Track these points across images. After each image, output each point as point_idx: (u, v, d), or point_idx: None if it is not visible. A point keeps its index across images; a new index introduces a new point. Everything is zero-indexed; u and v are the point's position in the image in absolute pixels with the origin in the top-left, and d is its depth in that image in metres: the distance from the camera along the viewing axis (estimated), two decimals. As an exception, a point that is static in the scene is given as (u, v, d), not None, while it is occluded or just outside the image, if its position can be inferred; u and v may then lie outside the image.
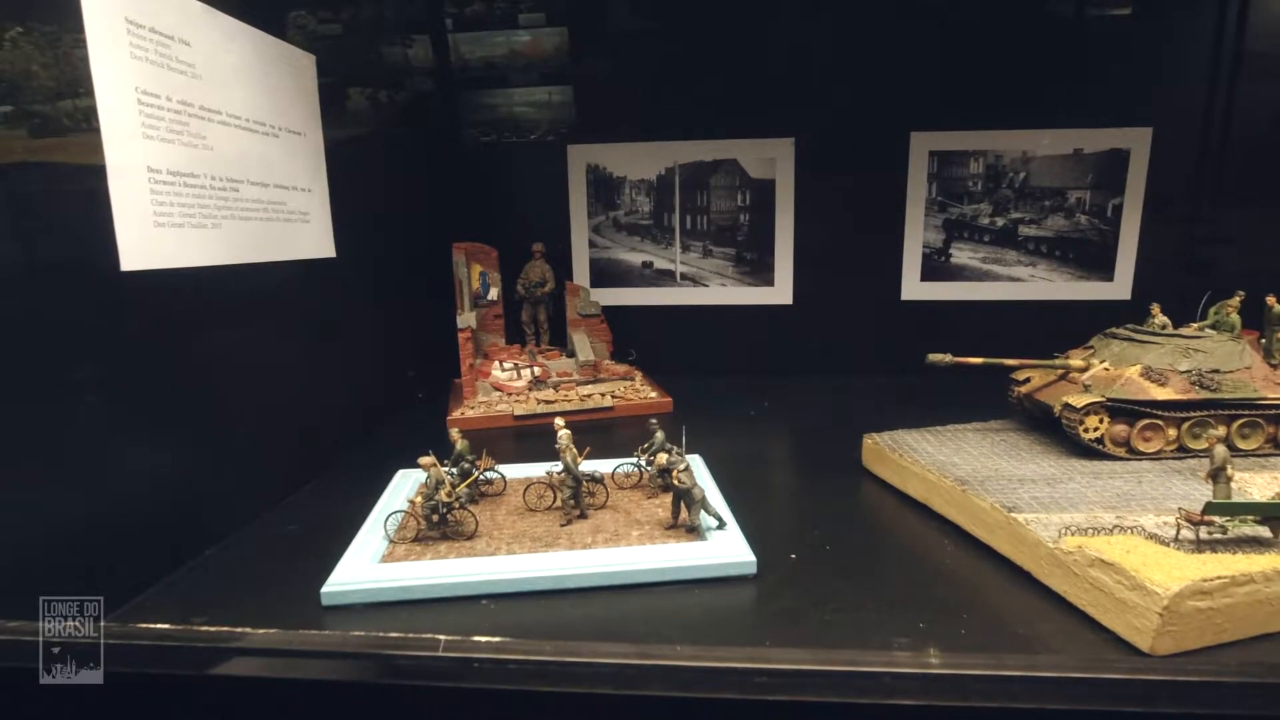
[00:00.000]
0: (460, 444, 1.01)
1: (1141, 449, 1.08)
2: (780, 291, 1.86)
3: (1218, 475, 0.85)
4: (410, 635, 0.71)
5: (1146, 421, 1.07)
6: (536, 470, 1.11)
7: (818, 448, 1.35)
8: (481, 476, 1.03)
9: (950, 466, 1.06)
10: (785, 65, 1.74)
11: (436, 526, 0.90)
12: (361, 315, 1.42)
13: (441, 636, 0.70)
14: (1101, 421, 1.08)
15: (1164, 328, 1.17)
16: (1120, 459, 1.08)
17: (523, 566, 0.85)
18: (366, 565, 0.85)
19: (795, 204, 1.81)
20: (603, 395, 1.56)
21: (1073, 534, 0.83)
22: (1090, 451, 1.09)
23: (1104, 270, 1.81)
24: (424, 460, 0.90)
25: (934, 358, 1.13)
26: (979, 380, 1.29)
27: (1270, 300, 1.12)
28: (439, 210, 1.77)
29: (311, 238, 1.22)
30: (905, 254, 1.83)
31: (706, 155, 1.80)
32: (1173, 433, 1.08)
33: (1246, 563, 0.76)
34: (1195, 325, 1.18)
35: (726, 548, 0.89)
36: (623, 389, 1.60)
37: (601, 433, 1.44)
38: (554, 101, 1.81)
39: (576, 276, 1.86)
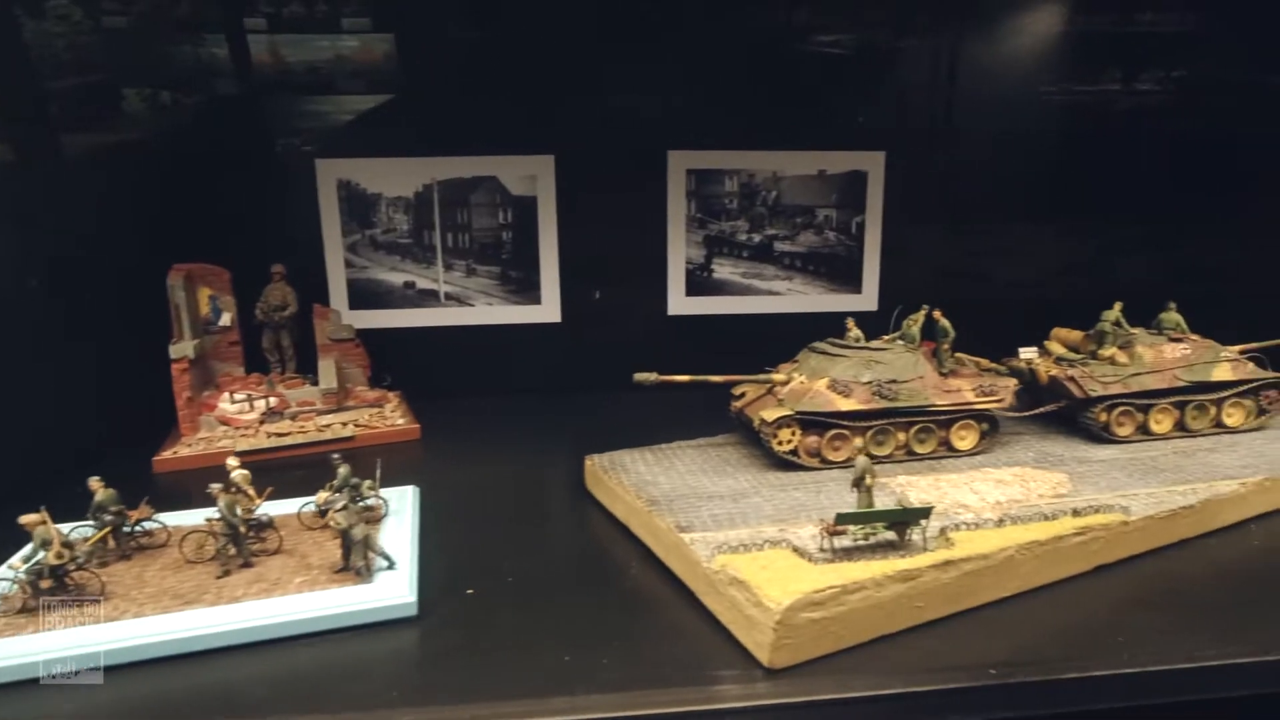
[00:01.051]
0: (101, 493, 0.90)
1: (832, 459, 1.14)
2: (548, 309, 1.84)
3: (859, 484, 0.90)
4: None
5: (834, 432, 1.13)
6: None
7: (553, 471, 1.34)
8: (136, 528, 0.93)
9: (647, 486, 1.07)
10: (546, 82, 1.73)
11: (51, 593, 0.80)
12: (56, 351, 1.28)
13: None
14: (794, 434, 1.13)
15: (857, 341, 1.24)
16: (814, 469, 1.13)
17: (146, 630, 0.77)
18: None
19: (559, 221, 1.80)
20: (344, 425, 1.48)
21: (725, 552, 0.85)
22: (788, 464, 1.13)
23: (853, 283, 1.92)
24: (27, 519, 0.80)
25: (640, 377, 1.14)
26: (726, 395, 1.30)
27: (936, 314, 1.21)
28: (169, 228, 1.62)
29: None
30: (670, 270, 1.87)
31: (466, 172, 1.76)
32: (859, 441, 1.14)
33: (861, 570, 0.80)
34: (887, 338, 1.26)
35: (385, 590, 0.85)
36: (368, 417, 1.53)
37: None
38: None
39: (333, 298, 1.76)
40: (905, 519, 0.85)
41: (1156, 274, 1.83)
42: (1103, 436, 1.21)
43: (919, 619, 0.82)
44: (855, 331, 1.26)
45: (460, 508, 1.15)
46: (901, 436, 1.15)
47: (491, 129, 1.75)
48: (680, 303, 1.89)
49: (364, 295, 1.77)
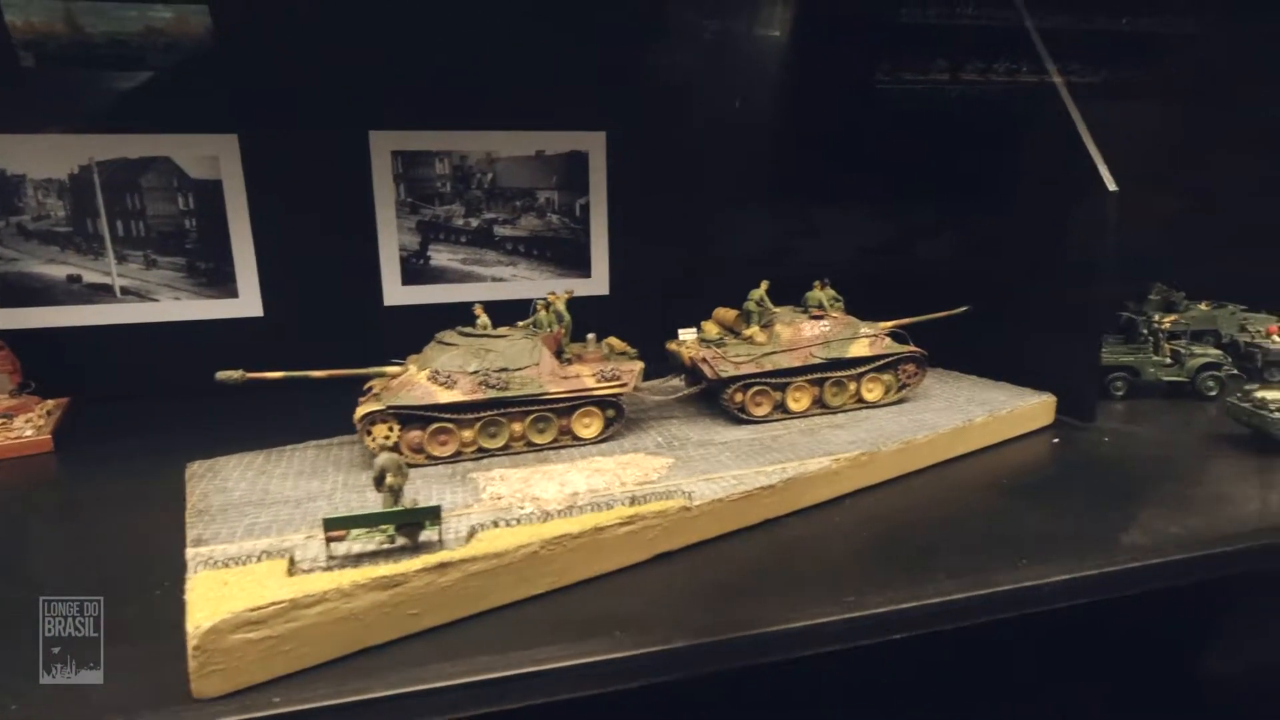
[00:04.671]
0: None
1: (438, 454, 1.07)
2: (247, 303, 1.70)
3: (379, 483, 0.83)
4: None
5: (437, 425, 1.06)
6: None
7: (173, 478, 1.21)
8: None
9: (216, 493, 0.98)
10: (229, 55, 1.59)
11: None
12: None
13: None
14: (392, 429, 1.05)
15: (484, 329, 1.18)
16: (419, 466, 1.06)
17: None
18: None
19: (253, 207, 1.67)
20: (-49, 438, 1.31)
21: (210, 567, 0.77)
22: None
23: (581, 267, 1.88)
24: None
25: (222, 375, 1.04)
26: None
27: (552, 297, 1.17)
28: None
29: None
30: (382, 258, 1.77)
31: (131, 152, 1.59)
32: (468, 434, 1.08)
33: (329, 580, 0.73)
34: (523, 324, 1.21)
35: None
36: (-10, 428, 1.36)
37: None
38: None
39: (-22, 294, 1.57)
40: (406, 520, 0.78)
41: (860, 254, 1.86)
42: (739, 417, 1.20)
43: (416, 627, 0.76)
44: (483, 319, 1.20)
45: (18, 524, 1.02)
46: (517, 427, 1.10)
47: (161, 105, 1.59)
48: (397, 292, 1.79)
49: (16, 291, 1.58)
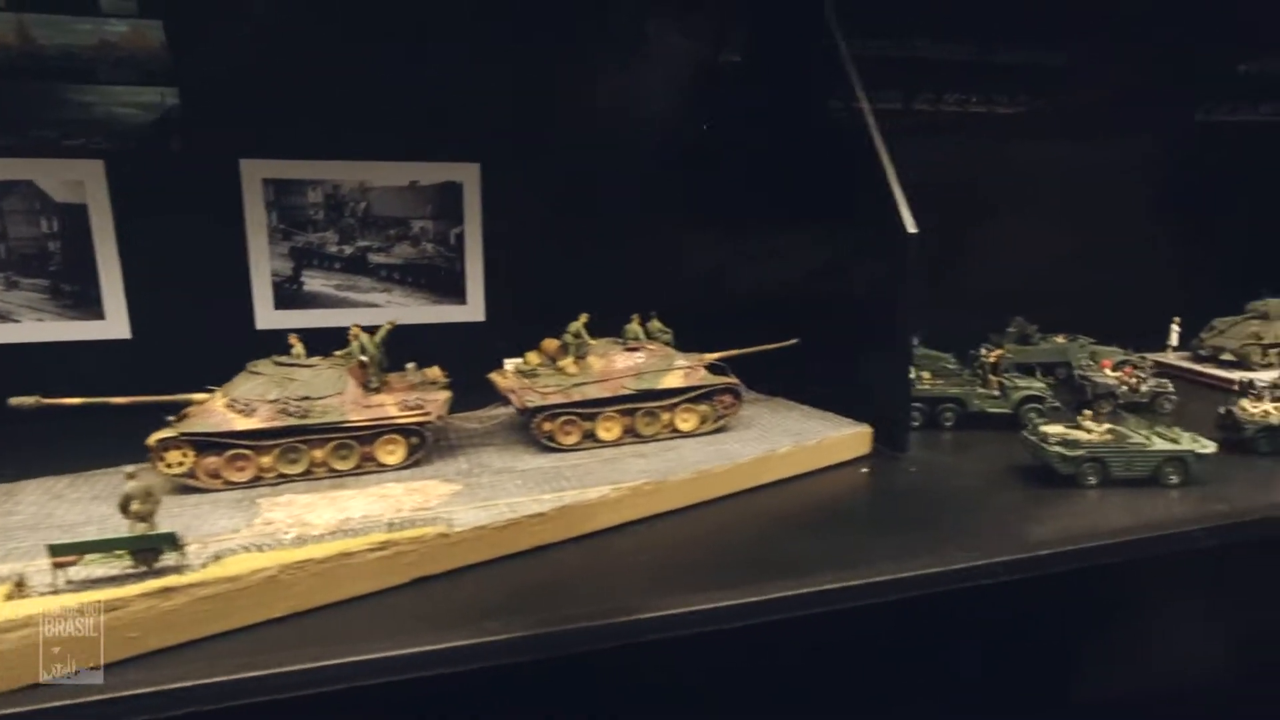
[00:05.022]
0: None
1: (236, 480, 1.10)
2: (114, 325, 1.73)
3: (124, 509, 0.86)
4: None
5: (233, 452, 1.09)
6: None
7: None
8: None
9: (-12, 519, 1.00)
10: (92, 78, 1.62)
11: None
12: None
13: None
14: (186, 456, 1.08)
15: (298, 358, 1.21)
16: (218, 490, 1.09)
17: None
18: None
19: (120, 231, 1.70)
20: None
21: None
22: (193, 488, 1.09)
23: (456, 295, 1.92)
24: None
25: (15, 401, 1.07)
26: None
27: (354, 330, 1.21)
28: None
29: None
30: (254, 282, 1.80)
31: (-6, 177, 1.63)
32: (266, 460, 1.11)
33: (44, 604, 0.76)
34: (340, 353, 1.25)
35: None
36: None
37: None
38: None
39: None
40: (137, 546, 0.82)
41: (709, 284, 1.89)
42: (548, 445, 1.25)
43: (138, 649, 0.79)
44: (298, 348, 1.23)
45: None
46: (319, 454, 1.13)
47: (21, 129, 1.62)
48: (269, 316, 1.82)
49: None
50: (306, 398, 1.13)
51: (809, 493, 1.24)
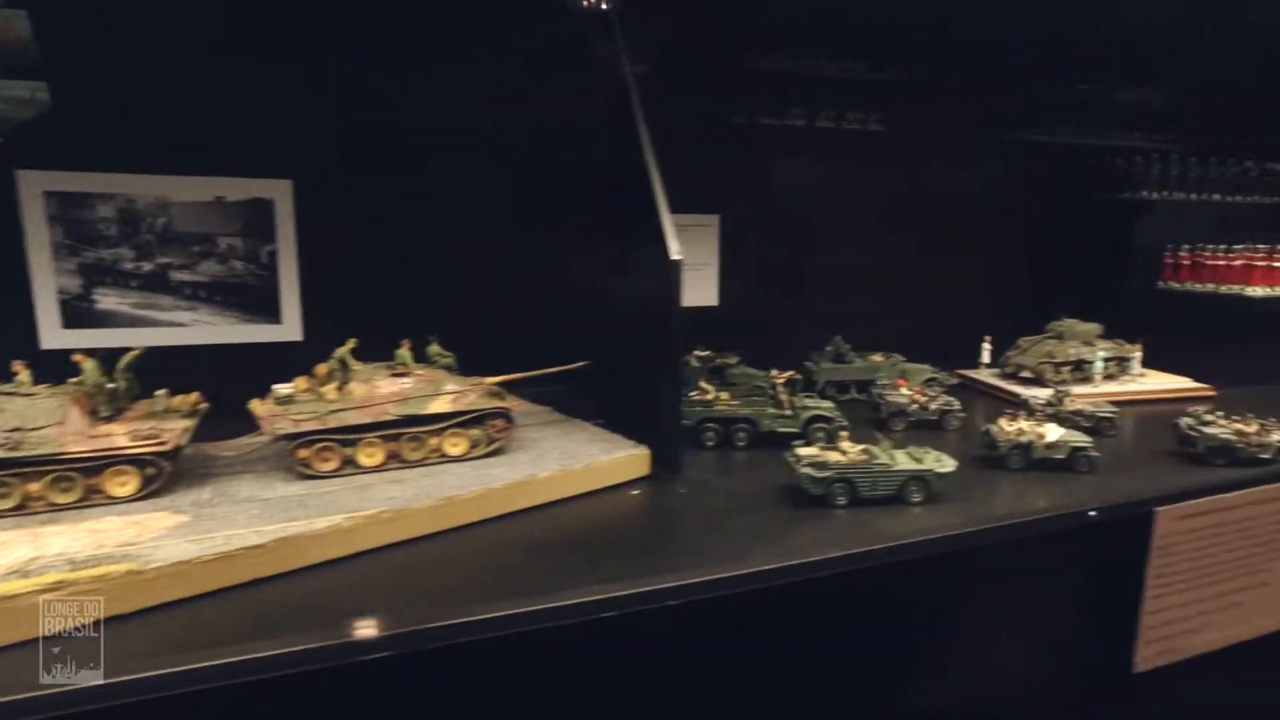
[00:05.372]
0: None
1: (-70, 516, 1.04)
2: (-123, 346, 1.62)
3: None
4: None
5: (-73, 487, 1.03)
6: None
7: None
8: None
9: None
10: None
11: None
12: None
13: None
14: None
15: (22, 386, 1.16)
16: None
17: None
18: None
19: (-118, 246, 1.59)
20: None
21: None
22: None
23: (270, 314, 1.87)
24: None
25: None
26: None
27: (76, 357, 1.16)
28: None
29: None
30: (37, 301, 1.71)
31: None
32: (-31, 496, 1.05)
33: None
34: (74, 381, 1.19)
35: None
36: None
37: None
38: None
39: None
40: None
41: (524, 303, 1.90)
42: (304, 473, 1.22)
43: None
44: (22, 375, 1.18)
45: None
46: (34, 487, 1.08)
47: None
48: (56, 336, 1.74)
49: None
50: (18, 429, 1.07)
51: (566, 517, 1.24)
